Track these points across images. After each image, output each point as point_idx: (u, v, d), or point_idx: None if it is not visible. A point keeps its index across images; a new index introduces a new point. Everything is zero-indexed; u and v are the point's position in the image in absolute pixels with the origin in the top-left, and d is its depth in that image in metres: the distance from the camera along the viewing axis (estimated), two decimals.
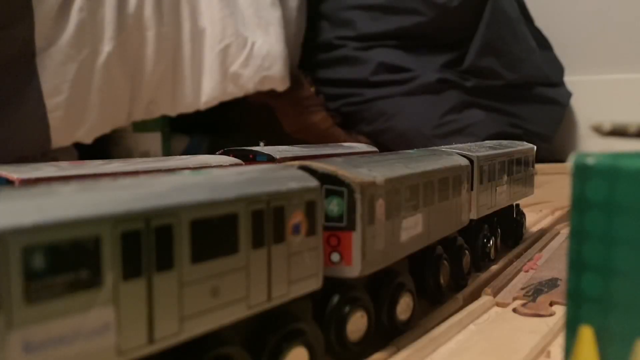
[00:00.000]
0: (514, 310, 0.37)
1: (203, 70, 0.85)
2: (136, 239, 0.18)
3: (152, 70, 0.80)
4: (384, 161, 0.31)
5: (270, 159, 0.44)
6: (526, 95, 1.05)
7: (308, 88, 1.00)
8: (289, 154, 0.45)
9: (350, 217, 0.26)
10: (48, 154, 0.72)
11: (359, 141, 0.95)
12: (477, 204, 0.41)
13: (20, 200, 0.16)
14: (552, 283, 0.42)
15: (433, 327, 0.33)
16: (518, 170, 0.50)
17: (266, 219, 0.22)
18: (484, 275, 0.43)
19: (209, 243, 0.20)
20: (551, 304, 0.38)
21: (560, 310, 0.37)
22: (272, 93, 0.91)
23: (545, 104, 1.08)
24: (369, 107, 1.00)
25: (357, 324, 0.28)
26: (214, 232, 0.20)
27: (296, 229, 0.24)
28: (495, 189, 0.45)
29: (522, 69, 1.03)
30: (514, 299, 0.39)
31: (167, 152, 1.01)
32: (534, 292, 0.40)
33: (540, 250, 0.53)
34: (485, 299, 0.39)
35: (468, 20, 0.99)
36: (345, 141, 0.96)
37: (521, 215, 0.55)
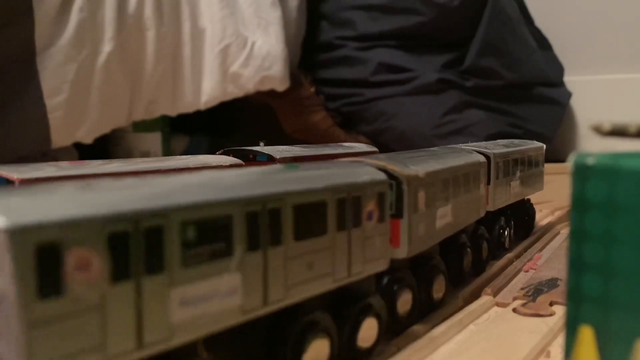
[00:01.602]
0: (514, 310, 0.37)
1: (203, 70, 0.85)
2: (255, 218, 0.21)
3: (152, 70, 0.80)
4: (418, 157, 0.34)
5: (270, 159, 0.44)
6: (526, 95, 1.05)
7: (308, 88, 1.00)
8: (289, 154, 0.45)
9: (398, 206, 0.30)
10: (48, 154, 0.72)
11: (359, 141, 0.95)
12: (494, 197, 0.44)
13: (175, 184, 0.20)
14: (552, 283, 0.42)
15: (433, 327, 0.33)
16: (529, 167, 0.53)
17: (347, 206, 0.26)
18: (484, 275, 0.43)
19: (306, 225, 0.23)
20: (551, 304, 0.38)
21: (560, 310, 0.37)
22: (272, 93, 0.91)
23: (545, 104, 1.08)
24: (369, 107, 1.00)
25: (404, 300, 0.32)
26: (310, 215, 0.24)
27: (370, 216, 0.27)
28: (509, 184, 0.48)
29: (522, 69, 1.03)
30: (514, 298, 0.39)
31: (167, 152, 1.01)
32: (534, 292, 0.40)
33: (540, 250, 0.53)
34: (485, 299, 0.39)
35: (468, 20, 0.99)
36: (345, 141, 0.96)
37: (532, 209, 0.57)
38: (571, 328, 0.17)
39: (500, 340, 0.33)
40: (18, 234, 0.14)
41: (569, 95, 1.13)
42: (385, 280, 0.30)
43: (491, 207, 0.44)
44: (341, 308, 0.27)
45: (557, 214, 0.69)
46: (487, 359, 0.30)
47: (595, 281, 0.17)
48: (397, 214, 0.30)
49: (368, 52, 1.01)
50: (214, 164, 0.40)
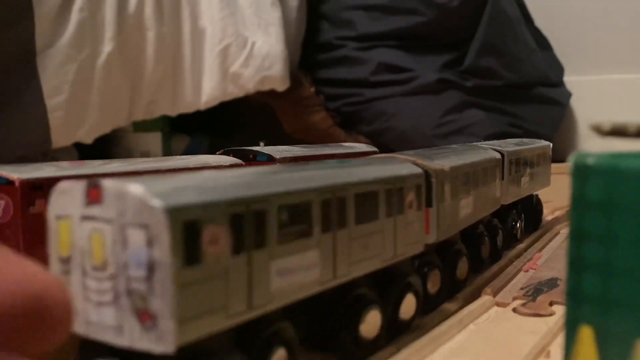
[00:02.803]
0: (514, 310, 0.37)
1: (203, 70, 0.85)
2: (328, 205, 0.25)
3: (152, 70, 0.80)
4: (441, 153, 0.37)
5: (270, 159, 0.44)
6: (526, 96, 1.05)
7: (308, 88, 1.00)
8: (289, 154, 0.45)
9: (428, 196, 0.33)
10: (48, 154, 0.72)
11: (359, 141, 0.94)
12: (507, 192, 0.47)
13: (272, 175, 0.24)
14: (551, 283, 0.42)
15: (433, 327, 0.33)
16: (538, 164, 0.56)
17: (393, 196, 0.29)
18: (484, 275, 0.43)
19: (363, 211, 0.27)
20: (551, 304, 0.38)
21: (560, 310, 0.37)
22: (272, 93, 0.91)
23: (545, 104, 1.08)
24: (369, 107, 1.00)
25: (434, 280, 0.35)
26: (366, 203, 0.27)
27: (410, 205, 0.31)
28: (520, 180, 0.51)
29: (521, 69, 1.03)
30: (514, 298, 0.39)
31: (167, 152, 1.01)
32: (534, 291, 0.40)
33: (540, 250, 0.53)
34: (485, 299, 0.39)
35: (468, 21, 0.99)
36: (345, 141, 0.96)
37: (539, 204, 0.60)
38: (571, 328, 0.17)
39: (500, 340, 0.33)
40: (172, 213, 0.18)
41: (568, 95, 1.13)
42: (417, 262, 0.34)
43: (504, 201, 0.47)
44: (384, 285, 0.30)
45: (557, 213, 0.69)
46: (487, 359, 0.30)
47: (595, 281, 0.17)
48: (427, 204, 0.33)
49: (368, 52, 1.01)
50: (214, 164, 0.40)
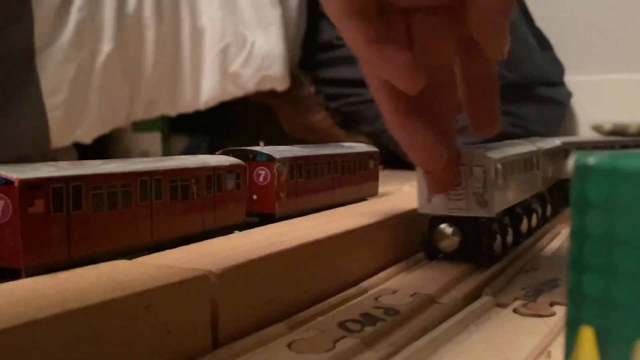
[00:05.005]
0: (514, 310, 0.37)
1: (203, 70, 0.85)
2: (526, 161, 0.45)
3: (151, 70, 0.80)
4: (534, 141, 0.53)
5: (270, 159, 0.44)
6: (526, 95, 1.05)
7: (308, 88, 0.99)
8: (289, 154, 0.45)
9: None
10: (47, 154, 0.72)
11: (359, 141, 0.94)
12: (560, 171, 0.63)
13: (503, 151, 0.42)
14: (552, 283, 0.42)
15: (433, 328, 0.33)
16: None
17: (544, 159, 0.51)
18: (484, 275, 0.43)
19: (529, 166, 0.46)
20: (552, 304, 0.38)
21: (560, 311, 0.37)
22: (272, 93, 0.91)
23: (545, 103, 1.07)
24: (369, 106, 1.00)
25: (542, 209, 0.54)
26: (529, 162, 0.47)
27: (536, 166, 0.50)
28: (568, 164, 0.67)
29: (522, 68, 1.03)
30: (515, 299, 0.39)
31: (167, 152, 1.01)
32: (535, 292, 0.40)
33: (541, 250, 0.53)
34: (485, 299, 0.39)
35: None
36: (345, 141, 0.96)
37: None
38: (572, 329, 0.17)
39: (501, 340, 0.33)
40: (496, 161, 0.38)
41: (569, 95, 1.13)
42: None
43: (560, 176, 0.64)
44: (540, 202, 0.53)
45: None
46: None
47: (596, 281, 0.16)
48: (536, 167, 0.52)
49: None
50: (214, 164, 0.40)
